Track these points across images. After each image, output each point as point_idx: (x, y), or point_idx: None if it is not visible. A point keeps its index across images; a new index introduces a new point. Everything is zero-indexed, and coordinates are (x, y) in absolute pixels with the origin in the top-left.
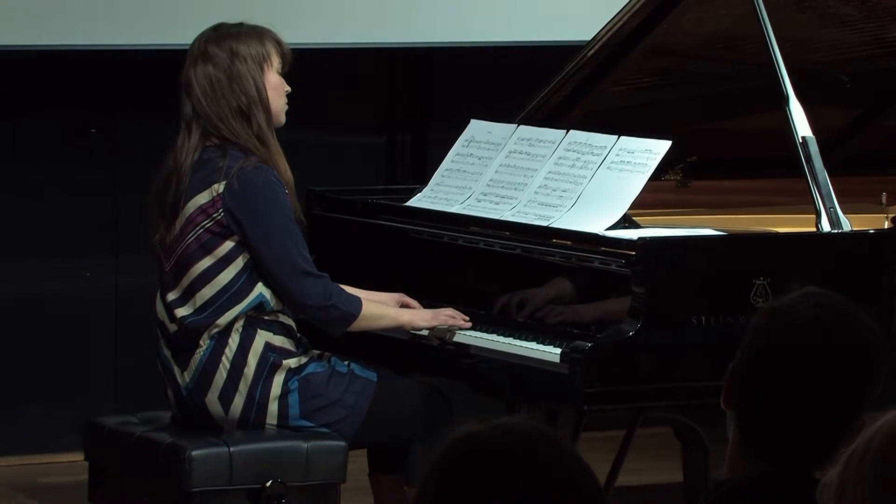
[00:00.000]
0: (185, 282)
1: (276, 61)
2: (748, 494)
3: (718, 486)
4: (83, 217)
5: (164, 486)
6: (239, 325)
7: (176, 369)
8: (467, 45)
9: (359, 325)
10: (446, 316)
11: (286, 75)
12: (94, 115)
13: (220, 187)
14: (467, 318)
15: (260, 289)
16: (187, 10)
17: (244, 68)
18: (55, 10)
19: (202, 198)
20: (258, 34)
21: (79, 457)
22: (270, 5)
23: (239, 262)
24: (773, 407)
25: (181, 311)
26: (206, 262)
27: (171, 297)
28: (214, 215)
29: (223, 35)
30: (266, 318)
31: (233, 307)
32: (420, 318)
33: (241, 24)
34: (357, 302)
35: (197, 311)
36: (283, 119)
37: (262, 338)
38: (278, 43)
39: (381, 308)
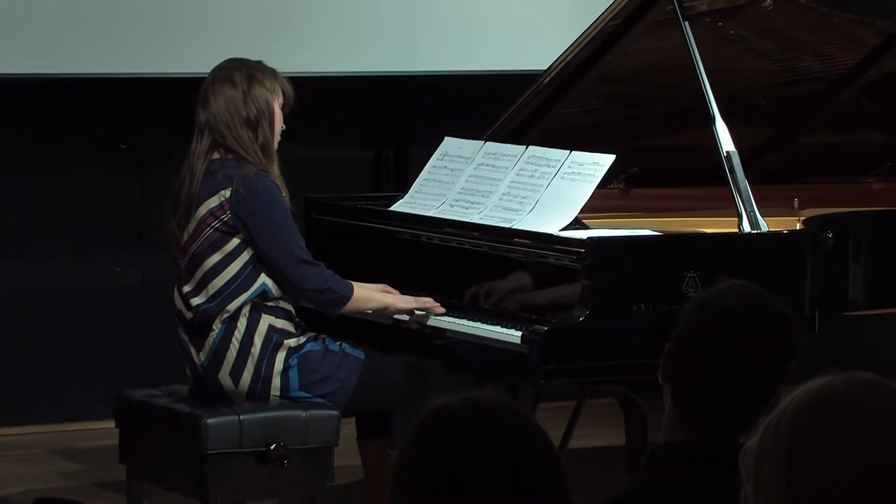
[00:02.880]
0: (199, 275)
1: (280, 97)
2: (681, 456)
3: (656, 449)
4: (114, 220)
5: (184, 449)
6: (246, 310)
7: (192, 350)
8: (442, 74)
9: (351, 306)
10: (424, 304)
11: (286, 118)
12: (123, 133)
13: (227, 193)
14: (440, 307)
15: (263, 279)
16: (202, 44)
17: (259, 89)
18: (92, 42)
19: (212, 202)
20: (272, 72)
21: (110, 424)
22: (276, 39)
23: (244, 256)
24: (703, 382)
25: (196, 300)
26: (216, 258)
27: (186, 288)
28: (222, 217)
29: (244, 64)
30: (269, 304)
31: (240, 295)
32: (402, 301)
33: (259, 61)
34: (349, 286)
35: (209, 300)
36: (275, 145)
37: (266, 321)
38: (285, 85)
39: (369, 292)
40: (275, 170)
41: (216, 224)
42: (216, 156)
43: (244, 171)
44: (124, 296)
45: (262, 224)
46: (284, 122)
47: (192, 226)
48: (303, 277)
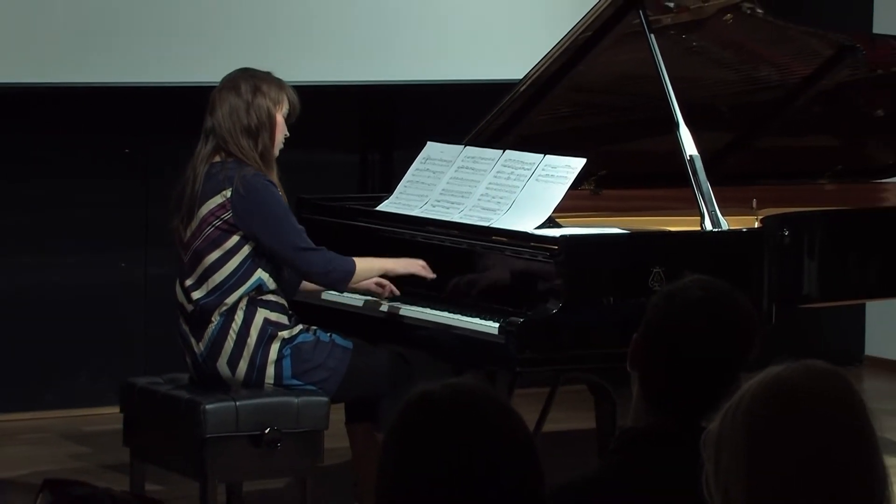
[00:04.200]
0: (200, 270)
1: (285, 107)
2: (648, 439)
3: (624, 432)
4: (119, 220)
5: (184, 432)
6: (243, 304)
7: (193, 341)
8: (424, 84)
9: (356, 278)
10: (418, 265)
11: (289, 126)
12: (128, 138)
13: (227, 193)
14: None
15: (259, 274)
16: (202, 54)
17: (262, 100)
18: (97, 52)
19: (213, 202)
20: (278, 83)
21: (116, 410)
22: (272, 50)
23: (243, 253)
24: (668, 369)
25: (196, 294)
26: (216, 254)
27: (187, 282)
28: (223, 216)
29: (252, 74)
30: (264, 297)
31: (238, 289)
32: (400, 266)
33: (268, 73)
34: (350, 262)
35: (209, 294)
36: (276, 153)
37: (261, 314)
38: (291, 95)
39: (369, 263)
40: (273, 176)
41: (217, 222)
42: (217, 159)
43: (243, 172)
44: (129, 290)
45: (264, 220)
46: (288, 130)
47: (194, 224)
48: (308, 263)
